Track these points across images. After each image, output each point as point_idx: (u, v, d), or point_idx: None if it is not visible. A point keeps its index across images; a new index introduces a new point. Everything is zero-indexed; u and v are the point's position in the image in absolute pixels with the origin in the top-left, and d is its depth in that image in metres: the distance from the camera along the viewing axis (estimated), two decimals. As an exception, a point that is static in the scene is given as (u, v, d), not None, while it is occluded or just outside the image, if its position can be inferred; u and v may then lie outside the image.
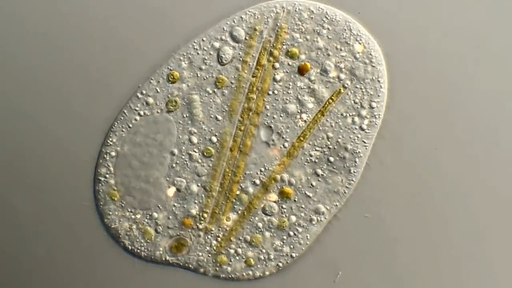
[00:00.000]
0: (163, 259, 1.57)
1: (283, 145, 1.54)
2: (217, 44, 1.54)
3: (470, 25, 1.55)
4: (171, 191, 1.56)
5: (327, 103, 1.53)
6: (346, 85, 1.52)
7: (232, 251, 1.56)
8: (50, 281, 1.61)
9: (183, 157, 1.55)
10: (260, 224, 1.55)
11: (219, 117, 1.55)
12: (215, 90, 1.54)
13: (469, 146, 1.55)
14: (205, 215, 1.56)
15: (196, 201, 1.56)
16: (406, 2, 1.56)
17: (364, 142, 1.53)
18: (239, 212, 1.55)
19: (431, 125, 1.55)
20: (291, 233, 1.55)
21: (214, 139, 1.55)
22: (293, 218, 1.55)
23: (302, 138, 1.53)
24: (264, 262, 1.56)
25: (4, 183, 1.60)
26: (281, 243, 1.55)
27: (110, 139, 1.56)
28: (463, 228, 1.56)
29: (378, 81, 1.53)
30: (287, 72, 1.53)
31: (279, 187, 1.54)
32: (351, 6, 1.55)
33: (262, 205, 1.55)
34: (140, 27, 1.57)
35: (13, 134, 1.59)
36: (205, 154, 1.55)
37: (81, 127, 1.58)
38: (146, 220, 1.56)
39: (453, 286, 1.57)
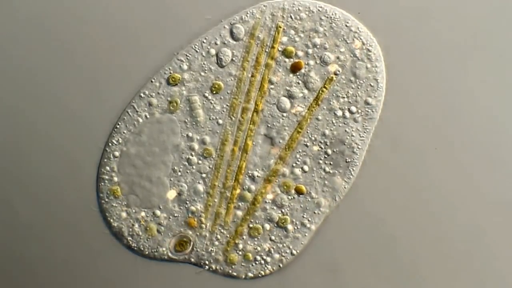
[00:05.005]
0: (167, 256, 1.58)
1: (283, 139, 1.55)
2: (216, 45, 1.55)
3: (469, 23, 1.56)
4: (173, 193, 1.57)
5: (321, 91, 1.54)
6: (337, 72, 1.53)
7: (238, 248, 1.57)
8: (53, 279, 1.62)
9: (185, 157, 1.56)
10: (264, 219, 1.56)
11: (220, 118, 1.56)
12: (213, 94, 1.55)
13: (469, 145, 1.55)
14: (209, 214, 1.57)
15: (199, 201, 1.57)
16: (406, 2, 1.56)
17: (362, 138, 1.54)
18: (244, 209, 1.56)
19: (429, 122, 1.56)
20: (291, 229, 1.56)
21: (216, 139, 1.56)
22: (292, 214, 1.56)
23: (299, 130, 1.54)
24: (266, 260, 1.57)
25: (7, 181, 1.61)
26: (281, 240, 1.56)
27: (114, 139, 1.57)
28: (462, 227, 1.56)
29: (376, 77, 1.54)
30: (285, 69, 1.54)
31: (280, 183, 1.55)
32: (351, 5, 1.55)
33: (272, 197, 1.55)
34: (142, 28, 1.59)
35: (16, 133, 1.61)
36: (205, 154, 1.56)
37: (85, 126, 1.60)
38: (149, 217, 1.57)
39: (452, 284, 1.57)
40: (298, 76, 1.55)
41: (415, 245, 1.56)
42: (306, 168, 1.55)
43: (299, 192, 1.55)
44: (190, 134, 1.56)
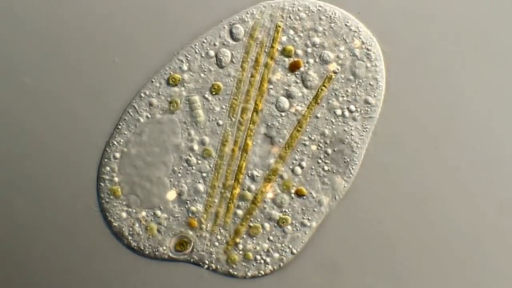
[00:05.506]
0: (167, 256, 1.58)
1: (282, 138, 1.55)
2: (216, 46, 1.56)
3: (470, 23, 1.56)
4: (173, 193, 1.57)
5: (320, 90, 1.54)
6: (336, 71, 1.54)
7: (238, 247, 1.57)
8: (53, 279, 1.62)
9: (184, 157, 1.57)
10: (266, 218, 1.56)
11: (220, 119, 1.56)
12: (213, 95, 1.56)
13: (469, 145, 1.55)
14: (209, 215, 1.57)
15: (199, 201, 1.57)
16: (407, 2, 1.57)
17: (361, 137, 1.54)
18: (244, 209, 1.56)
19: (429, 122, 1.56)
20: (291, 229, 1.56)
21: (215, 139, 1.56)
22: (293, 214, 1.56)
23: (299, 128, 1.55)
24: (266, 259, 1.57)
25: (8, 181, 1.62)
26: (281, 239, 1.56)
27: (115, 139, 1.58)
28: (462, 226, 1.56)
29: (376, 76, 1.54)
30: (284, 69, 1.55)
31: (281, 183, 1.56)
32: (351, 5, 1.56)
33: (273, 197, 1.56)
34: (142, 28, 1.59)
35: (17, 133, 1.61)
36: (204, 155, 1.56)
37: (85, 126, 1.60)
38: (149, 217, 1.58)
39: (452, 284, 1.57)
40: (297, 75, 1.55)
41: (415, 244, 1.56)
42: (305, 168, 1.55)
43: (300, 194, 1.55)
44: (191, 135, 1.57)
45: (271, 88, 1.55)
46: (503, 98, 1.55)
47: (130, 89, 1.58)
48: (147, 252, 1.58)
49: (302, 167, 1.55)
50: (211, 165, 1.57)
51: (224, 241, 1.57)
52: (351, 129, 1.54)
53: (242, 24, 1.56)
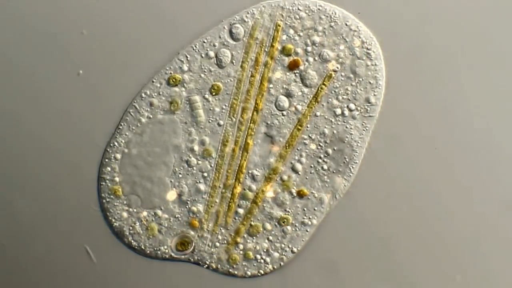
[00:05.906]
0: (168, 255, 1.58)
1: (283, 137, 1.56)
2: (216, 47, 1.56)
3: (469, 23, 1.56)
4: (173, 194, 1.57)
5: (320, 89, 1.54)
6: (336, 69, 1.54)
7: (239, 247, 1.57)
8: (54, 278, 1.62)
9: (185, 158, 1.57)
10: (267, 217, 1.56)
11: (220, 119, 1.56)
12: (213, 95, 1.56)
13: (468, 144, 1.55)
14: (210, 215, 1.57)
15: (200, 201, 1.57)
16: (406, 2, 1.57)
17: (361, 136, 1.54)
18: (245, 208, 1.56)
19: (429, 122, 1.56)
20: (292, 227, 1.56)
21: (216, 140, 1.56)
22: (293, 213, 1.56)
23: (299, 127, 1.55)
24: (267, 258, 1.57)
25: (10, 180, 1.62)
26: (282, 238, 1.56)
27: (116, 139, 1.58)
28: (461, 225, 1.55)
29: (376, 75, 1.54)
30: (283, 68, 1.55)
31: (281, 181, 1.56)
32: (351, 5, 1.56)
33: (273, 196, 1.56)
34: (142, 28, 1.60)
35: (18, 133, 1.62)
36: (204, 154, 1.57)
37: (87, 126, 1.60)
38: (150, 217, 1.58)
39: (451, 285, 1.57)
40: (296, 74, 1.55)
41: (415, 244, 1.56)
42: (306, 167, 1.55)
43: (301, 194, 1.55)
44: (191, 135, 1.57)
45: (271, 87, 1.56)
46: (503, 98, 1.55)
47: (131, 89, 1.59)
48: (148, 252, 1.58)
49: (301, 163, 1.55)
50: (212, 165, 1.57)
51: (225, 240, 1.57)
52: (351, 128, 1.54)
53: (242, 24, 1.56)
